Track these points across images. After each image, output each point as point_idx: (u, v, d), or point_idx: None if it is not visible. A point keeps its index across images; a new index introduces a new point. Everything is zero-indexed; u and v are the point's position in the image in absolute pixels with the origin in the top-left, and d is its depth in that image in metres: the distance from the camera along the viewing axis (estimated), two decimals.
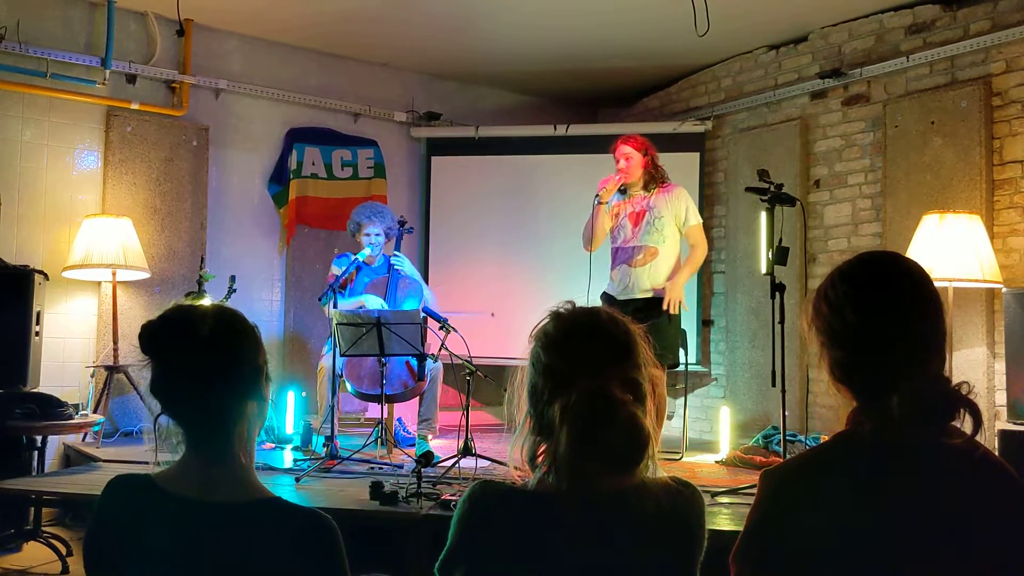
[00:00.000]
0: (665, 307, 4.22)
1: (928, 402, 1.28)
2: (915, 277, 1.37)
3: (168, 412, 1.38)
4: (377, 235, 4.93)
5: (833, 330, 1.37)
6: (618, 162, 4.32)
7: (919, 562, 1.25)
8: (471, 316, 4.50)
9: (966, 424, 1.29)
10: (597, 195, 4.25)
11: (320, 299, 4.72)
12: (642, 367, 1.42)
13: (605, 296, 4.36)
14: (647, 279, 4.25)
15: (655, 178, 4.36)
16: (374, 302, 4.79)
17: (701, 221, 4.48)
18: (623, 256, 4.28)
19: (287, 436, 5.01)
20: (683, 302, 4.29)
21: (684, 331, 5.36)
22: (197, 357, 1.36)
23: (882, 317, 1.33)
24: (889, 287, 1.36)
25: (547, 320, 1.46)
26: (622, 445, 1.32)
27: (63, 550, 3.76)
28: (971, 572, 1.25)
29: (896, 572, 1.25)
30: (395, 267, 4.91)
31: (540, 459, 1.40)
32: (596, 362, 1.38)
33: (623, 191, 4.43)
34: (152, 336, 1.37)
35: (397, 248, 5.02)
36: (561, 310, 1.47)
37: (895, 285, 1.36)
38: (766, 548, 1.32)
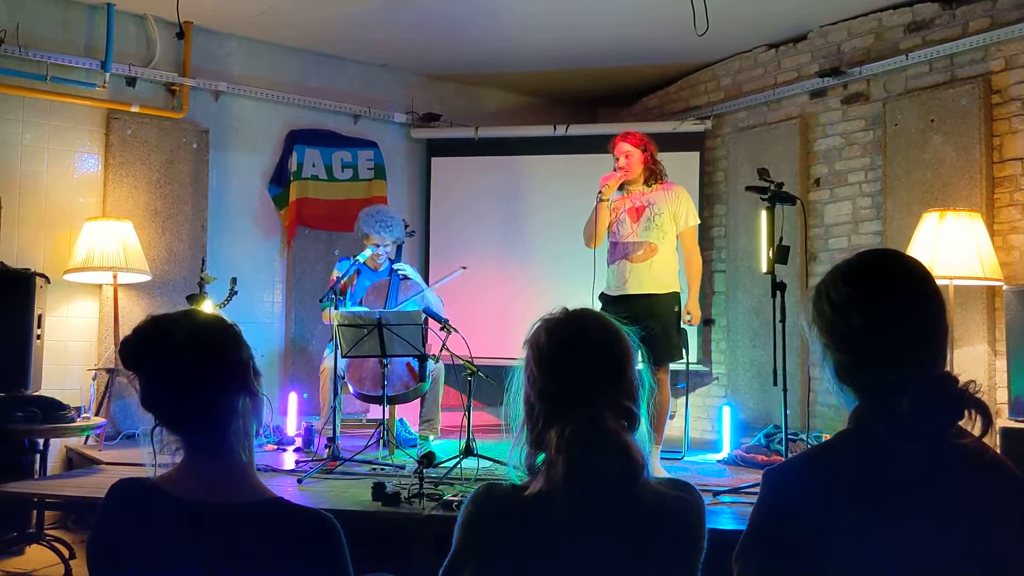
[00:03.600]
0: (686, 321, 4.31)
1: (938, 402, 1.27)
2: (918, 276, 1.36)
3: (162, 423, 1.39)
4: (386, 246, 4.95)
5: (837, 332, 1.35)
6: (617, 159, 4.30)
7: (925, 563, 1.24)
8: (448, 279, 4.45)
9: (976, 423, 1.28)
10: (599, 191, 4.23)
11: (321, 301, 4.73)
12: (633, 387, 1.44)
13: (603, 297, 4.34)
14: (647, 275, 4.23)
15: (655, 174, 4.34)
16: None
17: (699, 223, 4.47)
18: (623, 251, 4.26)
19: (289, 438, 5.01)
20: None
21: (685, 330, 5.37)
22: (177, 362, 1.37)
23: (887, 318, 1.32)
24: (893, 287, 1.34)
25: (539, 330, 1.47)
26: (616, 473, 1.36)
27: (66, 553, 3.77)
28: (975, 572, 1.25)
29: (901, 573, 1.25)
30: (398, 273, 4.91)
31: (539, 468, 1.42)
32: (589, 389, 1.40)
33: (622, 187, 4.42)
34: (130, 351, 1.39)
35: (399, 252, 5.03)
36: (552, 321, 1.47)
37: (899, 285, 1.34)
38: (769, 547, 1.32)
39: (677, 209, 4.28)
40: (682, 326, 4.35)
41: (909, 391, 1.26)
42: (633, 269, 4.21)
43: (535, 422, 1.43)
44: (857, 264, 1.38)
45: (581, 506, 1.34)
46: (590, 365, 1.42)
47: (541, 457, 1.41)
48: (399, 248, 5.05)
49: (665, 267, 4.25)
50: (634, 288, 4.20)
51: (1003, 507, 1.28)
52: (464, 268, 4.90)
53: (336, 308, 4.38)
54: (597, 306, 4.17)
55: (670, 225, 4.27)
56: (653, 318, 4.10)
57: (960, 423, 1.29)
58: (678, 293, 4.29)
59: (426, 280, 5.70)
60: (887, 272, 1.36)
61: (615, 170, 4.33)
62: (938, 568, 1.24)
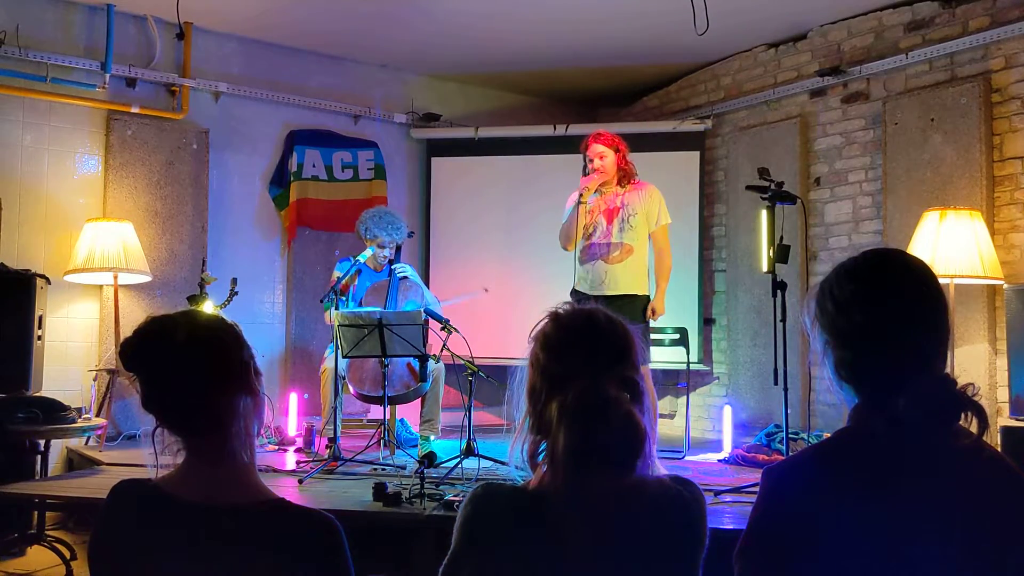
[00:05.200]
0: (649, 315, 4.32)
1: (934, 403, 1.27)
2: (921, 275, 1.36)
3: (164, 424, 1.39)
4: (390, 247, 4.95)
5: (838, 329, 1.35)
6: (591, 161, 4.33)
7: (924, 561, 1.24)
8: (467, 298, 4.45)
9: (972, 424, 1.29)
10: (580, 194, 4.25)
11: (322, 301, 4.73)
12: (638, 368, 1.44)
13: (576, 293, 4.34)
14: (623, 276, 4.24)
15: (628, 174, 4.37)
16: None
17: (670, 222, 4.48)
18: (598, 252, 4.26)
19: (290, 438, 5.01)
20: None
21: (685, 329, 5.38)
22: (179, 363, 1.37)
23: (888, 317, 1.32)
24: (896, 286, 1.34)
25: (546, 321, 1.48)
26: (618, 442, 1.34)
27: (67, 554, 3.77)
28: (975, 571, 1.25)
29: (900, 571, 1.25)
30: (397, 273, 4.91)
31: (539, 458, 1.42)
32: (593, 362, 1.40)
33: (597, 189, 4.43)
34: (131, 352, 1.39)
35: (397, 253, 5.03)
36: (560, 311, 1.48)
37: (902, 284, 1.34)
38: (769, 545, 1.32)
39: (650, 208, 4.33)
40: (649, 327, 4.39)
41: (907, 391, 1.26)
42: (610, 270, 4.22)
43: (537, 401, 1.41)
44: (861, 262, 1.39)
45: (582, 496, 1.33)
46: (596, 344, 1.42)
47: (543, 447, 1.41)
48: (398, 248, 5.05)
49: (640, 268, 4.30)
50: (611, 289, 4.21)
51: (1003, 505, 1.28)
52: (486, 290, 5.00)
53: (337, 308, 4.37)
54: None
55: (644, 225, 4.31)
56: (629, 318, 4.09)
57: (961, 423, 1.29)
58: (649, 296, 4.32)
59: (426, 282, 5.70)
60: (891, 271, 1.37)
61: (585, 171, 4.36)
62: (937, 566, 1.24)
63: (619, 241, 4.23)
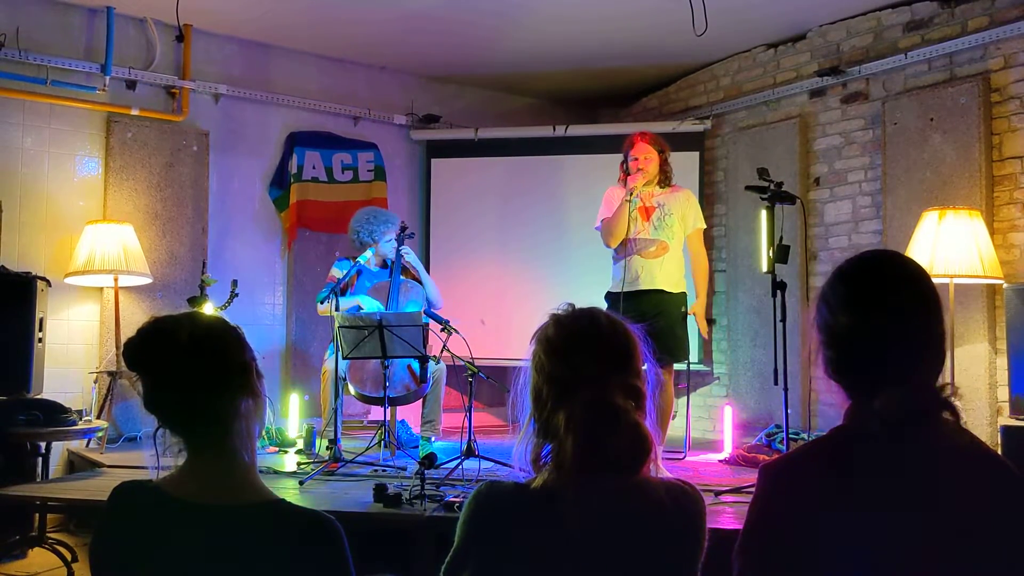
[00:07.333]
0: (690, 312, 4.30)
1: (907, 404, 1.29)
2: (913, 278, 1.38)
3: (165, 424, 1.40)
4: (389, 241, 4.89)
5: (829, 330, 1.38)
6: (636, 159, 4.31)
7: (917, 557, 1.25)
8: (458, 323, 4.44)
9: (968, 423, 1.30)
10: (629, 191, 4.23)
11: (321, 303, 4.72)
12: (642, 372, 1.45)
13: (610, 295, 4.34)
14: (659, 272, 4.25)
15: (668, 176, 4.38)
16: (370, 303, 4.79)
17: (705, 226, 4.49)
18: (634, 247, 4.26)
19: (290, 440, 5.01)
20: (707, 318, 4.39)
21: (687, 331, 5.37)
22: (181, 364, 1.38)
23: (875, 320, 1.34)
24: (885, 289, 1.36)
25: (548, 324, 1.48)
26: (625, 452, 1.36)
27: (68, 556, 3.77)
28: (970, 567, 1.26)
29: (894, 566, 1.25)
30: (404, 257, 4.85)
31: (543, 460, 1.42)
32: (598, 371, 1.41)
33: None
34: (134, 352, 1.39)
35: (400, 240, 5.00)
36: (561, 314, 1.48)
37: (891, 287, 1.36)
38: (767, 543, 1.33)
39: (686, 211, 4.33)
40: (687, 327, 4.36)
41: (882, 392, 1.28)
42: (645, 265, 4.23)
43: (543, 408, 1.42)
44: (855, 264, 1.41)
45: (584, 496, 1.34)
46: (599, 351, 1.43)
47: (547, 449, 1.42)
48: (400, 239, 4.96)
49: (675, 266, 4.28)
50: (646, 283, 4.22)
51: (997, 503, 1.29)
52: (483, 322, 5.51)
53: (337, 308, 4.37)
54: (601, 305, 4.16)
55: (679, 226, 4.30)
56: (661, 315, 4.12)
57: (953, 420, 1.30)
58: (686, 294, 4.32)
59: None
60: (883, 274, 1.38)
61: (623, 167, 4.35)
62: (933, 561, 1.25)
63: (655, 238, 4.24)
